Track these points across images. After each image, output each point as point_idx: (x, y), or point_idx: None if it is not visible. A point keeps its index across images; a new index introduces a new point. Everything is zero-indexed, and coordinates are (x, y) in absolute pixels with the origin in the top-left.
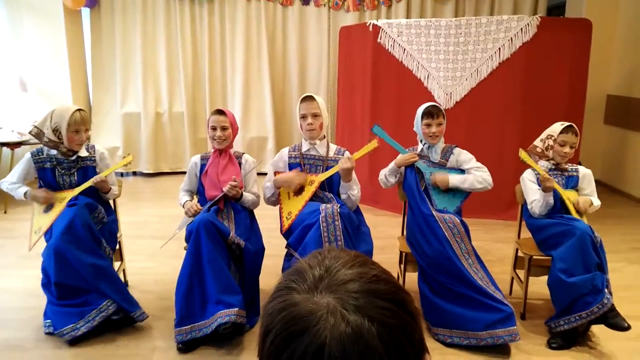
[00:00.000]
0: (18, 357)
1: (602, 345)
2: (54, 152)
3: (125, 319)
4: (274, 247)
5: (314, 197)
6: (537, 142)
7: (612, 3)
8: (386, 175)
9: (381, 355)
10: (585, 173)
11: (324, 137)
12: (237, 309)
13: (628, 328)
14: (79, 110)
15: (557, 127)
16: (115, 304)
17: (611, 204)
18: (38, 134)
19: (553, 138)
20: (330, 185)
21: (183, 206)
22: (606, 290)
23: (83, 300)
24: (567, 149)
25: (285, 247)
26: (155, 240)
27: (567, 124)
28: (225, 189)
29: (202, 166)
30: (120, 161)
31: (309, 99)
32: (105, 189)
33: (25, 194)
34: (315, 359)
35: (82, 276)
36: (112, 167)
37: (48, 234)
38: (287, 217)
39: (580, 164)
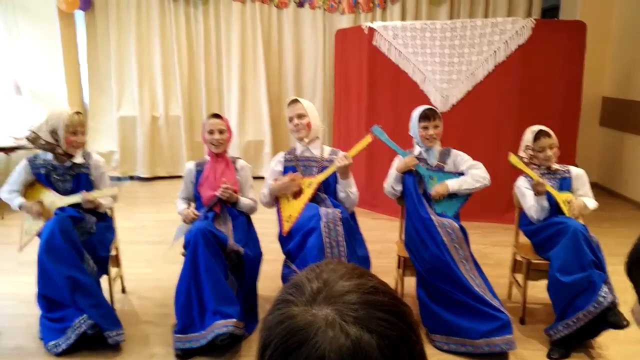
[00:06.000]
0: None
1: (601, 350)
2: (49, 157)
3: (99, 336)
4: (272, 252)
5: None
6: (522, 153)
7: (607, 5)
8: (392, 185)
9: None
10: (577, 173)
11: (317, 138)
12: (235, 319)
13: (624, 326)
14: (76, 112)
15: (529, 136)
16: (90, 320)
17: (607, 207)
18: (35, 138)
19: (531, 147)
20: (326, 186)
21: (180, 214)
22: (606, 288)
23: (62, 315)
24: (548, 152)
25: (285, 254)
26: (153, 246)
27: (535, 129)
28: (217, 192)
29: (197, 172)
30: (107, 190)
31: (293, 102)
32: (93, 207)
33: (20, 206)
34: None
35: (60, 289)
36: (100, 192)
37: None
38: (287, 220)
39: (577, 166)
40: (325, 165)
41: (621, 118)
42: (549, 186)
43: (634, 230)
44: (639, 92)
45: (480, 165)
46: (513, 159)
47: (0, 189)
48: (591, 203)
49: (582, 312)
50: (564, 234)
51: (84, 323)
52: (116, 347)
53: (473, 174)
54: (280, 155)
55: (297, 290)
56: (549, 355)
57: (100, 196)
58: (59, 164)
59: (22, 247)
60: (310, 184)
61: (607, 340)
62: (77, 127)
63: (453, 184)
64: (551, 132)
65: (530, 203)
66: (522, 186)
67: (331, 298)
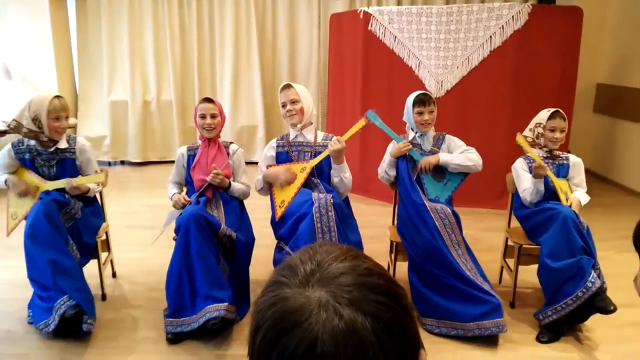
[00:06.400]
0: (5, 349)
1: (589, 333)
2: (33, 142)
3: (76, 320)
4: (265, 237)
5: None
6: (527, 132)
7: None
8: (386, 170)
9: (376, 351)
10: (575, 162)
11: (311, 123)
12: (227, 304)
13: (612, 311)
14: (57, 97)
15: (544, 114)
16: (71, 301)
17: (600, 193)
18: (16, 126)
19: (542, 125)
20: (319, 172)
21: (171, 199)
22: (594, 273)
23: (48, 296)
24: (557, 134)
25: (277, 239)
26: (144, 231)
27: (553, 109)
28: (208, 178)
29: (189, 157)
30: (94, 175)
31: (286, 87)
32: (80, 193)
33: (5, 181)
34: (307, 355)
35: (44, 272)
36: (85, 178)
37: None
38: (280, 206)
39: (569, 152)
40: (319, 151)
41: (615, 105)
42: (549, 171)
43: (625, 216)
44: (633, 79)
45: (474, 150)
46: (520, 138)
47: None
48: (585, 198)
49: (571, 298)
50: (554, 220)
51: (64, 304)
52: (105, 332)
53: (466, 155)
54: (273, 142)
55: (291, 271)
56: (538, 339)
57: (86, 182)
58: (43, 149)
59: (10, 231)
60: (304, 168)
61: (595, 324)
62: (59, 113)
63: (444, 156)
64: (566, 117)
65: (526, 185)
66: (520, 167)
67: (325, 280)
